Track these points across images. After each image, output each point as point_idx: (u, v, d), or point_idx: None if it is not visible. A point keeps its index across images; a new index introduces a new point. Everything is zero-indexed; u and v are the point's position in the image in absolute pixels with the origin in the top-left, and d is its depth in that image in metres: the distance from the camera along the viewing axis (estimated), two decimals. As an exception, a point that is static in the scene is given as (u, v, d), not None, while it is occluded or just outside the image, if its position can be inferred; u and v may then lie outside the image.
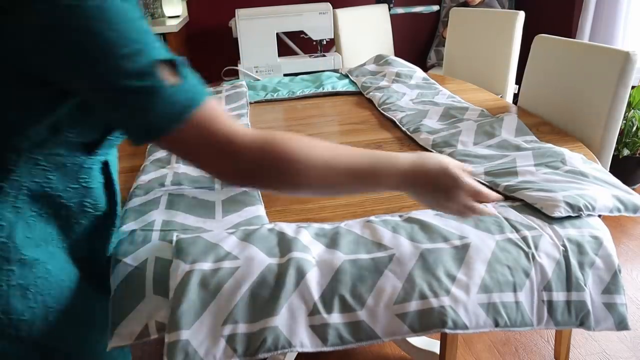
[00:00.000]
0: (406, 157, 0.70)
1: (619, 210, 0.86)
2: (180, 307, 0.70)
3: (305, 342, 0.69)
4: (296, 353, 1.60)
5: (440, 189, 0.70)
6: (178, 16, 3.20)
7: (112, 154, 0.75)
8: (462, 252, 0.78)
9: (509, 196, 0.94)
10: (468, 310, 0.72)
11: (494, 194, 0.73)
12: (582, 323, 0.76)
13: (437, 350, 1.54)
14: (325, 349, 0.69)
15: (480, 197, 0.72)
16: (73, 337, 0.72)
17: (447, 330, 0.70)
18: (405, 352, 1.64)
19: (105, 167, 0.73)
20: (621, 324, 0.76)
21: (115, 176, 0.76)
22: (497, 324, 0.72)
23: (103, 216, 0.75)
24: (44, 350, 0.69)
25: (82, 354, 0.74)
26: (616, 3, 2.63)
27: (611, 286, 0.77)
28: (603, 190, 0.90)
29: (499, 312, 0.73)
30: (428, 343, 1.59)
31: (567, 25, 3.03)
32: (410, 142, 1.28)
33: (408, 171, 0.69)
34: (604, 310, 0.76)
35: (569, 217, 0.85)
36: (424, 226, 0.84)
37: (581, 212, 0.84)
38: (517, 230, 0.82)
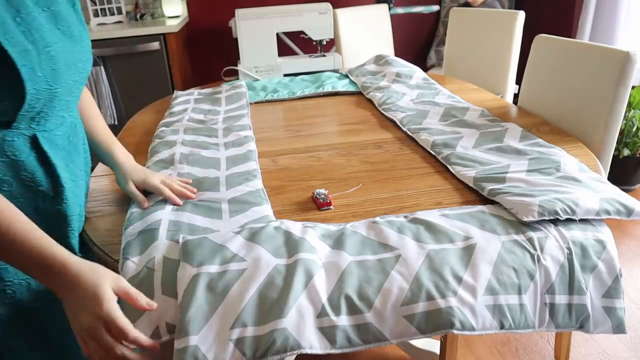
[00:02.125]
0: (67, 258, 0.67)
1: (607, 212, 0.84)
2: (189, 312, 0.70)
3: (315, 344, 0.69)
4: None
5: (81, 308, 0.65)
6: (178, 16, 3.20)
7: (49, 130, 0.80)
8: (468, 252, 0.78)
9: (491, 200, 0.94)
10: (475, 311, 0.72)
11: (143, 340, 0.67)
12: (582, 326, 0.76)
13: (437, 350, 1.54)
14: (333, 351, 0.69)
15: (122, 338, 0.66)
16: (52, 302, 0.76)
17: (454, 331, 0.70)
18: (405, 352, 1.64)
19: (35, 142, 0.78)
20: (618, 328, 0.76)
21: (54, 154, 0.80)
22: (502, 326, 0.72)
23: (51, 197, 0.80)
24: (27, 313, 0.77)
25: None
26: (616, 3, 2.63)
27: (612, 290, 0.77)
28: (590, 193, 0.89)
29: (504, 314, 0.73)
30: (428, 343, 1.59)
31: (567, 25, 3.03)
32: (410, 142, 1.28)
33: (61, 269, 0.66)
34: (603, 314, 0.76)
35: (574, 220, 0.84)
36: (430, 226, 0.84)
37: (558, 216, 0.83)
38: (523, 232, 0.82)
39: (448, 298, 0.72)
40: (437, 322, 0.71)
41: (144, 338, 0.67)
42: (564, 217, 0.83)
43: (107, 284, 0.67)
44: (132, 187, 0.98)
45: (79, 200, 0.89)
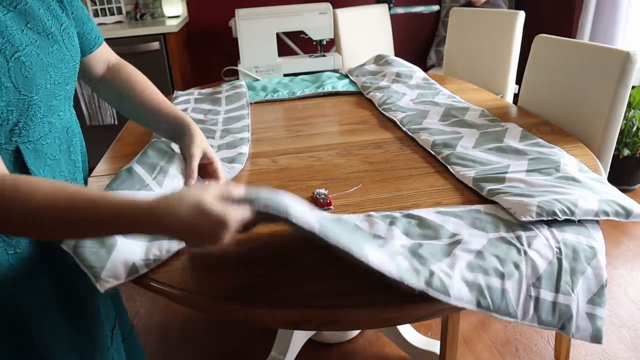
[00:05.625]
0: (145, 202, 0.61)
1: (606, 214, 0.84)
2: None
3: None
4: (296, 353, 1.60)
5: (203, 234, 0.62)
6: (178, 16, 3.20)
7: (35, 139, 0.74)
8: (452, 246, 0.80)
9: (490, 200, 0.94)
10: (452, 281, 0.72)
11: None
12: (563, 327, 0.75)
13: (437, 350, 1.54)
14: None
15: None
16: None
17: (431, 291, 0.69)
18: (405, 352, 1.64)
19: (19, 156, 0.72)
20: (596, 337, 0.75)
21: (39, 167, 0.75)
22: (479, 304, 0.71)
23: None
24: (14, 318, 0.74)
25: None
26: (616, 3, 2.63)
27: (596, 298, 0.77)
28: (589, 194, 0.89)
29: (482, 293, 0.72)
30: (428, 343, 1.59)
31: (567, 25, 3.03)
32: (410, 142, 1.29)
33: (150, 216, 0.61)
34: (586, 320, 0.76)
35: (569, 222, 0.84)
36: (421, 222, 0.86)
37: (556, 217, 0.83)
38: (513, 230, 0.83)
39: (425, 266, 0.73)
40: (412, 279, 0.70)
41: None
42: (562, 217, 0.83)
43: (212, 202, 0.61)
44: (196, 160, 0.89)
45: None
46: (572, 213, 0.83)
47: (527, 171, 1.02)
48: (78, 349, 0.83)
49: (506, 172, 1.02)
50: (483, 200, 0.96)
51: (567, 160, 1.06)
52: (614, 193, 0.91)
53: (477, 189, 0.98)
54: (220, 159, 1.17)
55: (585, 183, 0.95)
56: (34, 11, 0.73)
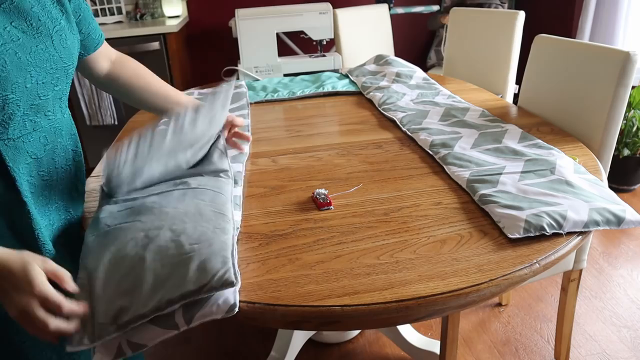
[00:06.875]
0: None
1: (596, 224, 0.84)
2: None
3: None
4: (296, 353, 1.60)
5: (15, 292, 0.64)
6: (178, 16, 3.20)
7: (16, 137, 0.74)
8: None
9: (481, 207, 0.94)
10: None
11: (77, 310, 0.66)
12: None
13: (437, 350, 1.54)
14: None
15: (58, 311, 0.65)
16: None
17: None
18: (405, 352, 1.64)
19: None
20: None
21: (18, 163, 0.75)
22: None
23: (13, 210, 0.75)
24: None
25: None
26: (616, 3, 2.63)
27: None
28: (581, 204, 0.88)
29: None
30: (428, 343, 1.59)
31: (567, 25, 3.03)
32: (410, 142, 1.29)
33: None
34: None
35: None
36: None
37: (544, 232, 0.82)
38: None
39: None
40: None
41: (77, 307, 0.67)
42: (550, 232, 0.82)
43: (35, 265, 0.65)
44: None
45: (51, 210, 0.83)
46: (560, 226, 0.83)
47: (522, 172, 1.02)
48: (54, 347, 0.83)
49: (501, 174, 1.01)
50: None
51: (564, 161, 1.05)
52: (608, 197, 0.91)
53: (470, 191, 0.98)
54: None
55: (579, 187, 0.94)
56: (22, 10, 0.73)
